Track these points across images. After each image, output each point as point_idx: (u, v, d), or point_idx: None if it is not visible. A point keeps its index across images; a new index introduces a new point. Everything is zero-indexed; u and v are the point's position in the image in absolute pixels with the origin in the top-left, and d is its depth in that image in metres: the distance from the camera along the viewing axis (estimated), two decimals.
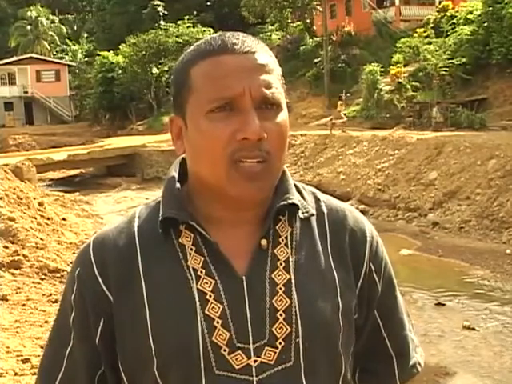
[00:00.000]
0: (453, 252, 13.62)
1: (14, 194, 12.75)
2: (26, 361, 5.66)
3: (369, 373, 1.34)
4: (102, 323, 1.20)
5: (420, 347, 1.41)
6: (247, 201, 1.18)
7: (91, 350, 1.22)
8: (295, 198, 1.24)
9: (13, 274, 8.64)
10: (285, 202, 1.22)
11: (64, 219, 13.67)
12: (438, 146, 18.44)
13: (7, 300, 7.54)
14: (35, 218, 11.98)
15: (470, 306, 10.48)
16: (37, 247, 9.83)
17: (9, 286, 8.09)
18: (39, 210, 12.79)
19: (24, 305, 7.48)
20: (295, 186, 1.29)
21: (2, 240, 9.72)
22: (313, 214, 1.26)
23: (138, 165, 29.06)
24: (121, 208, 21.23)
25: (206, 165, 1.17)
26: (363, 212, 1.33)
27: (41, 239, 10.39)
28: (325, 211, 1.28)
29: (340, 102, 25.22)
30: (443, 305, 10.49)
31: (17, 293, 7.90)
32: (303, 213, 1.25)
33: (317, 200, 1.30)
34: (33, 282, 8.43)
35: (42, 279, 8.66)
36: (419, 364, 1.38)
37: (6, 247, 9.46)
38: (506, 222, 14.32)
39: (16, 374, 5.39)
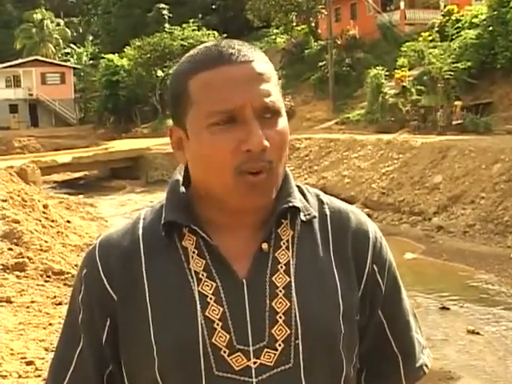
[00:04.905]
0: (457, 256, 13.60)
1: (18, 196, 12.78)
2: (29, 363, 5.67)
3: (375, 374, 1.35)
4: (108, 323, 1.23)
5: (427, 348, 1.40)
6: (250, 209, 1.20)
7: (99, 350, 1.24)
8: (297, 200, 1.25)
9: (17, 276, 8.65)
10: (286, 205, 1.22)
11: (68, 222, 13.68)
12: (442, 149, 18.43)
13: (12, 302, 7.55)
14: (40, 221, 12.00)
15: (475, 310, 10.46)
16: (41, 249, 9.84)
17: (13, 289, 8.10)
18: (44, 212, 12.81)
19: (28, 307, 7.49)
20: (299, 188, 1.29)
21: (7, 242, 9.74)
22: (315, 217, 1.27)
23: (142, 168, 29.09)
24: (125, 211, 21.25)
25: (211, 175, 1.18)
26: (367, 215, 1.33)
27: (45, 241, 10.40)
28: (328, 213, 1.29)
29: (458, 103, 22.99)
30: (447, 309, 10.47)
31: (21, 295, 7.92)
32: (305, 215, 1.25)
33: (320, 202, 1.30)
34: (37, 285, 8.44)
35: (46, 281, 8.67)
36: (426, 366, 1.37)
37: (11, 249, 9.48)
38: (510, 226, 14.29)
39: (20, 376, 5.39)
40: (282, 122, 1.18)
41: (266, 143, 1.14)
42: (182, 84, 1.20)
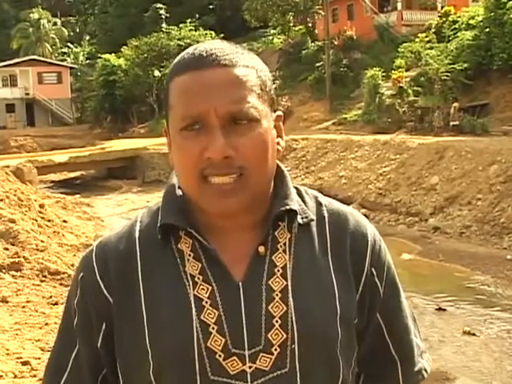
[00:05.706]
0: (453, 257, 13.61)
1: (14, 195, 12.75)
2: (25, 363, 5.65)
3: (373, 378, 1.34)
4: (104, 327, 1.22)
5: (427, 353, 1.39)
6: (224, 214, 1.18)
7: (95, 353, 1.24)
8: (294, 203, 1.23)
9: (13, 275, 8.63)
10: (283, 208, 1.21)
11: (65, 221, 13.65)
12: (439, 150, 18.45)
13: (7, 302, 7.53)
14: (36, 220, 11.97)
15: (471, 311, 10.47)
16: (37, 249, 9.81)
17: (9, 288, 8.08)
18: (40, 212, 12.78)
19: (24, 307, 7.46)
20: (297, 189, 1.28)
21: (3, 242, 9.72)
22: (312, 220, 1.25)
23: (139, 167, 29.08)
24: (122, 210, 21.24)
25: (183, 180, 1.19)
26: (364, 216, 1.32)
27: (41, 241, 10.37)
28: (326, 215, 1.27)
29: (455, 104, 22.75)
30: (444, 310, 10.48)
31: (17, 295, 7.89)
32: (302, 218, 1.24)
33: (318, 204, 1.29)
34: (33, 284, 8.41)
35: (42, 281, 8.64)
36: (425, 370, 1.36)
37: (7, 249, 9.45)
38: (506, 228, 14.32)
39: (15, 376, 5.37)
40: (258, 129, 1.15)
41: (229, 152, 1.12)
42: (166, 87, 1.21)
